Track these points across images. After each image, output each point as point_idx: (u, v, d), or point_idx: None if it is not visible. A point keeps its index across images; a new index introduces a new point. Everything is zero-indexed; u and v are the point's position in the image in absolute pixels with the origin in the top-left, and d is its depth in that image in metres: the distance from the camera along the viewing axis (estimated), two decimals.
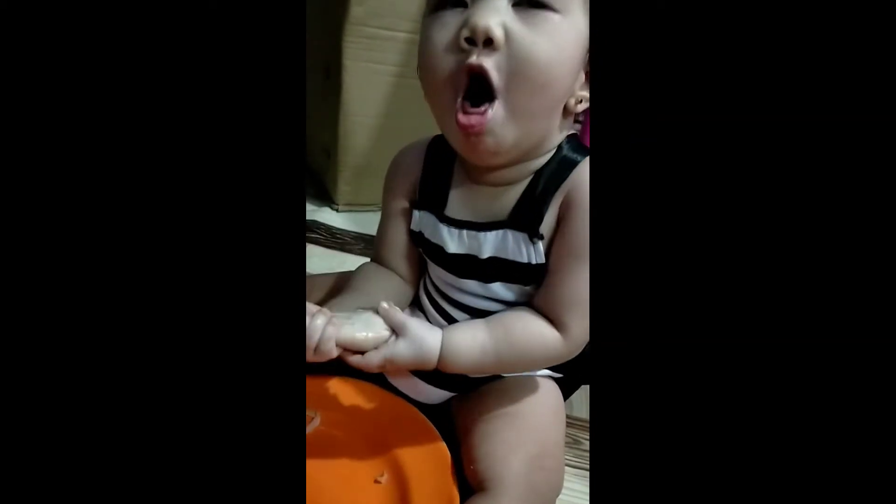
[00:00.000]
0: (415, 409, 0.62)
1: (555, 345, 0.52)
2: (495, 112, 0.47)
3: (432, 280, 0.64)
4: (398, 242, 0.63)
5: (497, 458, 0.53)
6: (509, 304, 0.58)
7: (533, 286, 0.55)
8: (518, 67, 0.45)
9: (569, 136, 0.54)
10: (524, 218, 0.53)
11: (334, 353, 0.48)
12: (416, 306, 0.66)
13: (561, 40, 0.46)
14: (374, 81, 1.12)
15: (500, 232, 0.54)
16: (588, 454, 0.65)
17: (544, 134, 0.51)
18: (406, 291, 0.65)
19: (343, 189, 1.21)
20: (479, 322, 0.54)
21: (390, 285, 0.63)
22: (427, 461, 0.57)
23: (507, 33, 0.45)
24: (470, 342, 0.52)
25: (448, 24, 0.47)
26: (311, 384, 0.64)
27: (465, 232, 0.56)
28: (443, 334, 0.52)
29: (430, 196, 0.58)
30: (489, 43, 0.45)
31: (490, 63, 0.45)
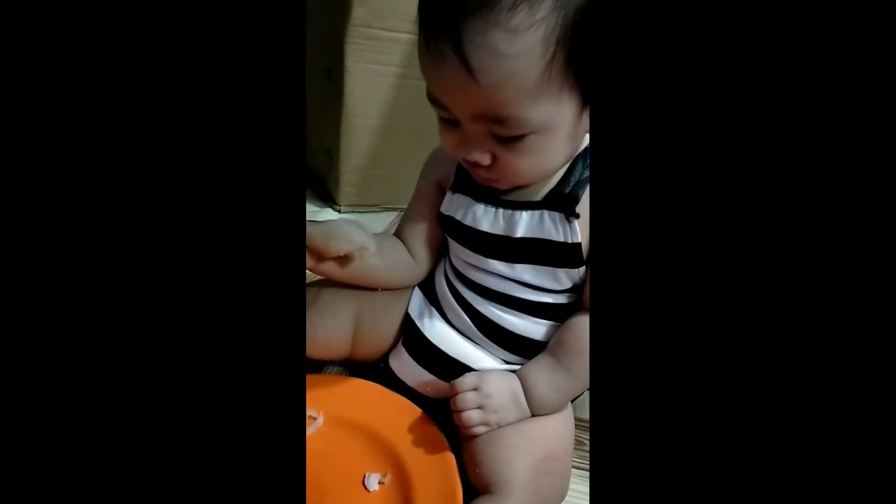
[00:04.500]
0: (419, 409, 0.62)
1: None
2: (504, 180, 0.54)
3: (454, 268, 0.64)
4: (421, 223, 0.66)
5: (502, 462, 0.53)
6: (535, 288, 0.58)
7: (564, 270, 0.56)
8: (508, 177, 0.53)
9: None
10: (561, 199, 0.55)
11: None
12: (428, 298, 0.67)
13: (541, 151, 0.50)
14: (376, 83, 1.12)
15: (537, 213, 0.55)
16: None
17: (560, 166, 0.55)
18: (415, 270, 0.67)
19: (345, 190, 1.21)
20: (542, 358, 0.58)
21: (403, 255, 0.67)
22: (430, 462, 0.57)
23: (494, 157, 0.50)
24: (545, 378, 0.56)
25: (449, 131, 0.52)
26: (315, 384, 0.65)
27: (500, 211, 0.57)
28: (519, 377, 0.57)
29: (468, 178, 0.59)
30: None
31: (488, 174, 0.52)
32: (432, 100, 0.50)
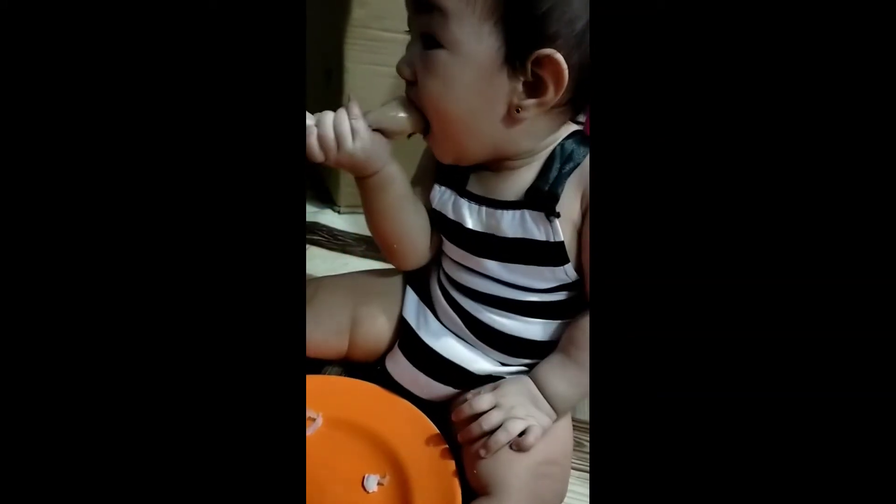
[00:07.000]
0: (417, 411, 0.62)
1: None
2: (431, 134, 0.56)
3: (445, 272, 0.64)
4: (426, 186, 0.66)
5: (500, 464, 0.52)
6: (522, 289, 0.58)
7: (549, 268, 0.56)
8: (421, 102, 0.54)
9: (574, 132, 0.57)
10: (540, 198, 0.55)
11: (367, 139, 0.55)
12: (423, 300, 0.67)
13: (447, 76, 0.51)
14: (375, 84, 1.12)
15: (518, 212, 0.56)
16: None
17: (496, 143, 0.55)
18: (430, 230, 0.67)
19: (345, 191, 1.21)
20: (553, 356, 0.58)
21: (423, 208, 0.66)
22: (429, 463, 0.56)
23: (415, 75, 0.53)
24: (557, 375, 0.56)
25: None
26: (314, 385, 0.65)
27: (483, 209, 0.58)
28: (531, 378, 0.57)
29: (451, 173, 0.60)
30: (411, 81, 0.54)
31: (414, 95, 0.54)
32: (409, 23, 0.54)
